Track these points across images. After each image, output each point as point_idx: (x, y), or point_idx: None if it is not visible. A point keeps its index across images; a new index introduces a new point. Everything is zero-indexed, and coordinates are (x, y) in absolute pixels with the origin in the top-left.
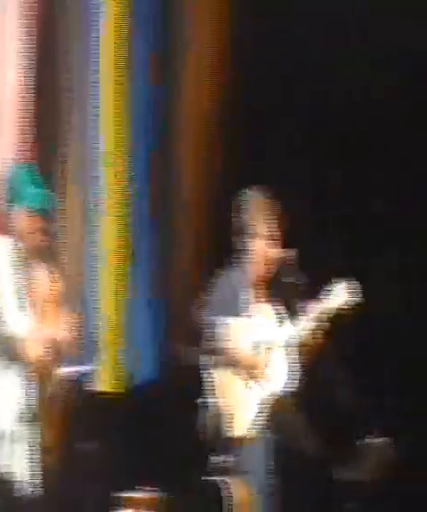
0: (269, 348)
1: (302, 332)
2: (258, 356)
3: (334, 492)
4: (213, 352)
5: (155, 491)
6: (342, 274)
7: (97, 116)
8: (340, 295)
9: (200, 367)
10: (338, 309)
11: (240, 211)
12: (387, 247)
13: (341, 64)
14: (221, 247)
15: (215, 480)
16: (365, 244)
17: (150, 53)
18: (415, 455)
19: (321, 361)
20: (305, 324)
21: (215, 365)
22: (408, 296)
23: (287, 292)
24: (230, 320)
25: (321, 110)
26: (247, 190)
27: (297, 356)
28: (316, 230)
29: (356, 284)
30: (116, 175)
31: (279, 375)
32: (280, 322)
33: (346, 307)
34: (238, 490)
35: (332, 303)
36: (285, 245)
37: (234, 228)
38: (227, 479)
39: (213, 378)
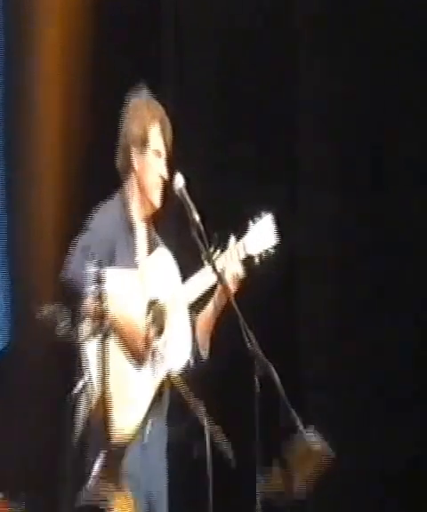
0: (165, 311)
1: (211, 287)
2: (151, 322)
3: (245, 500)
4: (88, 316)
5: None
6: (258, 210)
7: None
8: (261, 235)
9: (69, 336)
10: (258, 254)
11: (125, 117)
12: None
13: None
14: (97, 171)
15: (93, 495)
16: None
17: None
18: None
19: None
20: (215, 276)
21: (91, 334)
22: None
23: (191, 232)
24: (111, 271)
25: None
26: (134, 91)
27: (204, 320)
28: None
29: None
30: None
31: (180, 347)
32: (181, 274)
33: (268, 250)
34: (122, 503)
35: (250, 246)
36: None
37: (117, 143)
38: (108, 490)
39: (88, 351)
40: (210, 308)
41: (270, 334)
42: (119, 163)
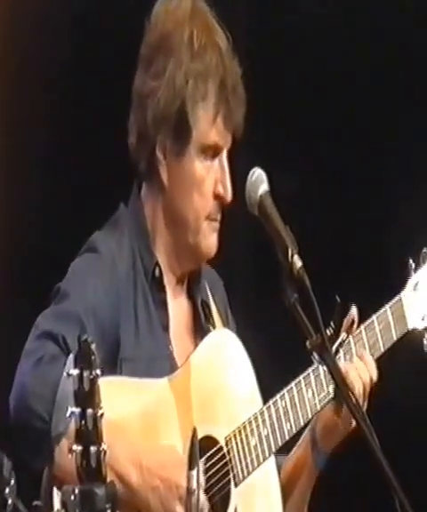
0: (231, 462)
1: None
2: (200, 488)
3: None
4: (60, 479)
5: None
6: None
7: None
8: None
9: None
10: None
11: (140, 59)
12: None
13: None
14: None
15: None
16: None
17: None
18: None
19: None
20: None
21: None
22: None
23: (284, 295)
24: (115, 381)
25: None
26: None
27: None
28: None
29: None
30: None
31: None
32: (262, 380)
33: None
34: None
35: (414, 312)
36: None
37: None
38: None
39: None
40: (303, 449)
41: None
42: (133, 161)
